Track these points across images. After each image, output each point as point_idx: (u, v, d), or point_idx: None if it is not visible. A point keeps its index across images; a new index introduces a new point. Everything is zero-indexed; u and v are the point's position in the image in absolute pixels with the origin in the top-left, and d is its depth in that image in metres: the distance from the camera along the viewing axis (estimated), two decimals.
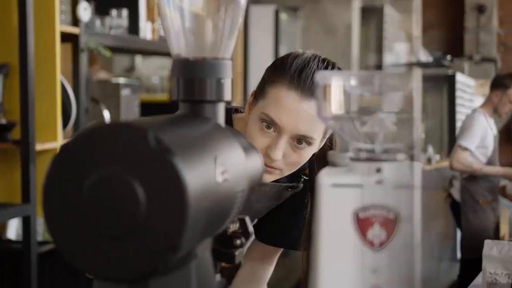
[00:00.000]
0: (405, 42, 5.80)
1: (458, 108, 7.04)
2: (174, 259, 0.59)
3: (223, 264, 0.83)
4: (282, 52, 4.83)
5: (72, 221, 0.60)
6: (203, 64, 0.74)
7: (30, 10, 2.38)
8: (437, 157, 6.06)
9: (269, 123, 1.22)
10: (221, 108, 0.76)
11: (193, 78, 0.74)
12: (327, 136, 1.31)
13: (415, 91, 0.65)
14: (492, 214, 4.53)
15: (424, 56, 6.06)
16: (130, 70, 5.90)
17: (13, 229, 3.01)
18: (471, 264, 4.36)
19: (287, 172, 1.28)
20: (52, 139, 2.53)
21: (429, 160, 5.77)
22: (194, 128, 0.69)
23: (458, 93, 6.96)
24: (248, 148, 0.82)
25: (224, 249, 0.81)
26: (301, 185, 1.42)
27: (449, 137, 7.22)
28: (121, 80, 3.20)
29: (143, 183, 0.58)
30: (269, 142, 1.23)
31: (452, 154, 4.47)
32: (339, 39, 5.71)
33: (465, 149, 4.36)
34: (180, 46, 0.76)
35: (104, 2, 3.07)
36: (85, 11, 2.67)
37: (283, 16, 5.36)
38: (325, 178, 0.66)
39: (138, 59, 5.81)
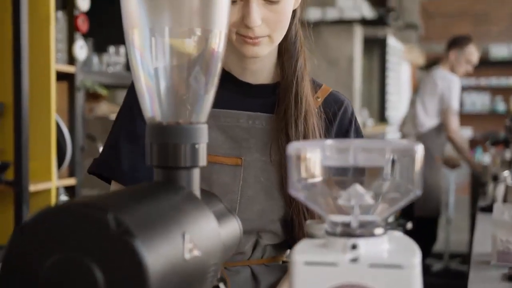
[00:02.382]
0: None
1: (387, 72, 7.09)
2: None
3: None
4: None
5: None
6: (177, 129, 0.72)
7: (25, 49, 2.37)
8: (370, 121, 6.06)
9: None
10: (196, 175, 0.73)
11: (167, 143, 0.72)
12: None
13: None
14: (442, 175, 4.52)
15: (368, 12, 5.90)
16: None
17: None
18: (423, 222, 4.37)
19: (277, 37, 1.20)
20: (47, 180, 2.50)
21: (363, 125, 5.78)
22: (163, 201, 0.66)
23: (388, 57, 7.00)
24: (224, 214, 0.79)
25: None
26: None
27: (379, 101, 7.21)
28: None
29: (103, 268, 0.55)
30: (241, 12, 1.15)
31: (447, 120, 4.43)
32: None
33: (457, 112, 4.40)
34: (154, 110, 0.74)
35: (102, 39, 3.06)
36: (81, 50, 2.66)
37: None
38: (299, 255, 0.63)
39: None
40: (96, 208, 0.56)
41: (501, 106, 9.99)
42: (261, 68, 1.28)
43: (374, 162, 0.63)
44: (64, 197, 2.92)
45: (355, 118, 1.34)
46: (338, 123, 1.31)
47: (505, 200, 2.72)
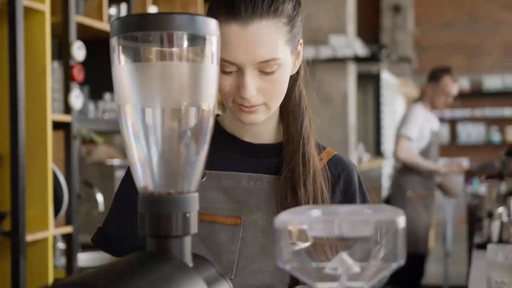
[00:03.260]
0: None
1: (381, 107, 7.14)
2: None
3: None
4: None
5: None
6: (169, 199, 0.74)
7: (21, 99, 2.40)
8: (367, 156, 6.12)
9: (226, 67, 1.15)
10: (187, 242, 0.76)
11: (159, 213, 0.74)
12: (297, 44, 1.23)
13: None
14: (424, 211, 4.48)
15: (361, 49, 5.97)
16: None
17: None
18: (409, 257, 4.28)
19: (274, 104, 1.20)
20: (44, 229, 2.51)
21: (359, 160, 5.87)
22: (155, 273, 0.68)
23: (382, 91, 7.07)
24: (216, 279, 0.81)
25: None
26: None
27: (375, 136, 7.25)
28: (116, 162, 3.21)
29: None
30: (237, 82, 1.16)
31: (396, 144, 4.54)
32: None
33: (408, 138, 4.43)
34: (146, 180, 0.76)
35: (98, 86, 3.10)
36: (77, 99, 2.70)
37: None
38: None
39: None
40: (88, 287, 0.58)
41: (496, 137, 10.06)
42: (262, 129, 1.29)
43: (359, 232, 0.66)
44: (61, 245, 2.93)
45: (361, 184, 1.32)
46: (343, 188, 1.30)
47: (500, 237, 2.73)
